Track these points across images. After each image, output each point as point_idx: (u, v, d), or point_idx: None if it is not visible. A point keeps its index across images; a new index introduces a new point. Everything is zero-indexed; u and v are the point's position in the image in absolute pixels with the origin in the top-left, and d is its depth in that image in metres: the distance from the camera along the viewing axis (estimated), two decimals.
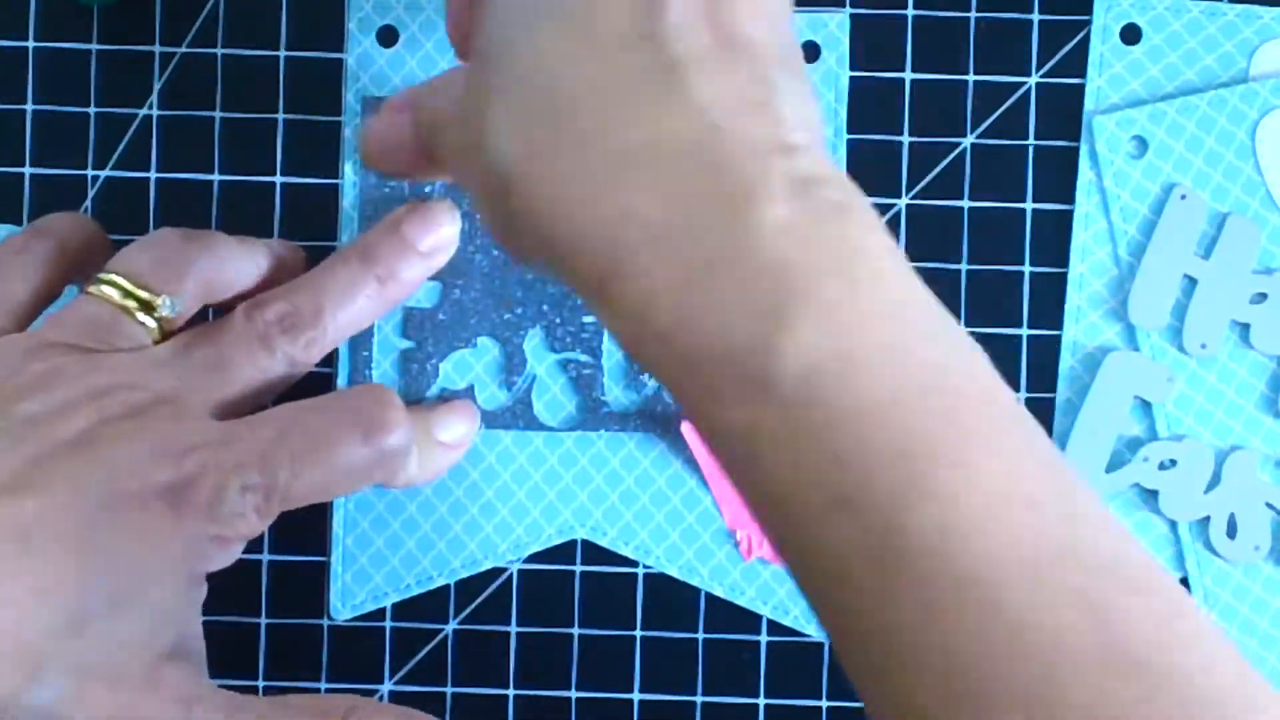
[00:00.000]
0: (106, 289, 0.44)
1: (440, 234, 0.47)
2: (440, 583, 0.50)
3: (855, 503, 0.33)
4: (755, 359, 0.33)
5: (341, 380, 0.50)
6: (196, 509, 0.41)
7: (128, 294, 0.44)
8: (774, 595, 0.50)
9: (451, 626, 0.50)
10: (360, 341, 0.50)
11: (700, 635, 0.50)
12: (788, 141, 0.35)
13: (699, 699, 0.50)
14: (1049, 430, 0.49)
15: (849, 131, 0.50)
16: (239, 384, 0.44)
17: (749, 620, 0.50)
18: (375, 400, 0.44)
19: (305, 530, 0.50)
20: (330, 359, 0.50)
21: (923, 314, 0.34)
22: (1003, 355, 0.50)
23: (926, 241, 0.50)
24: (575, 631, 0.50)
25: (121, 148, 0.50)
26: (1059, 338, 0.50)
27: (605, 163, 0.35)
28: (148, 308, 0.44)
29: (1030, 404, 0.50)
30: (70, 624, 0.39)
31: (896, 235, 0.50)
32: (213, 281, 0.45)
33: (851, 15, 0.50)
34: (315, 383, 0.50)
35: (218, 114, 0.50)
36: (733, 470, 0.35)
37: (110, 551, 0.40)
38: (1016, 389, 0.50)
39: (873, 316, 0.33)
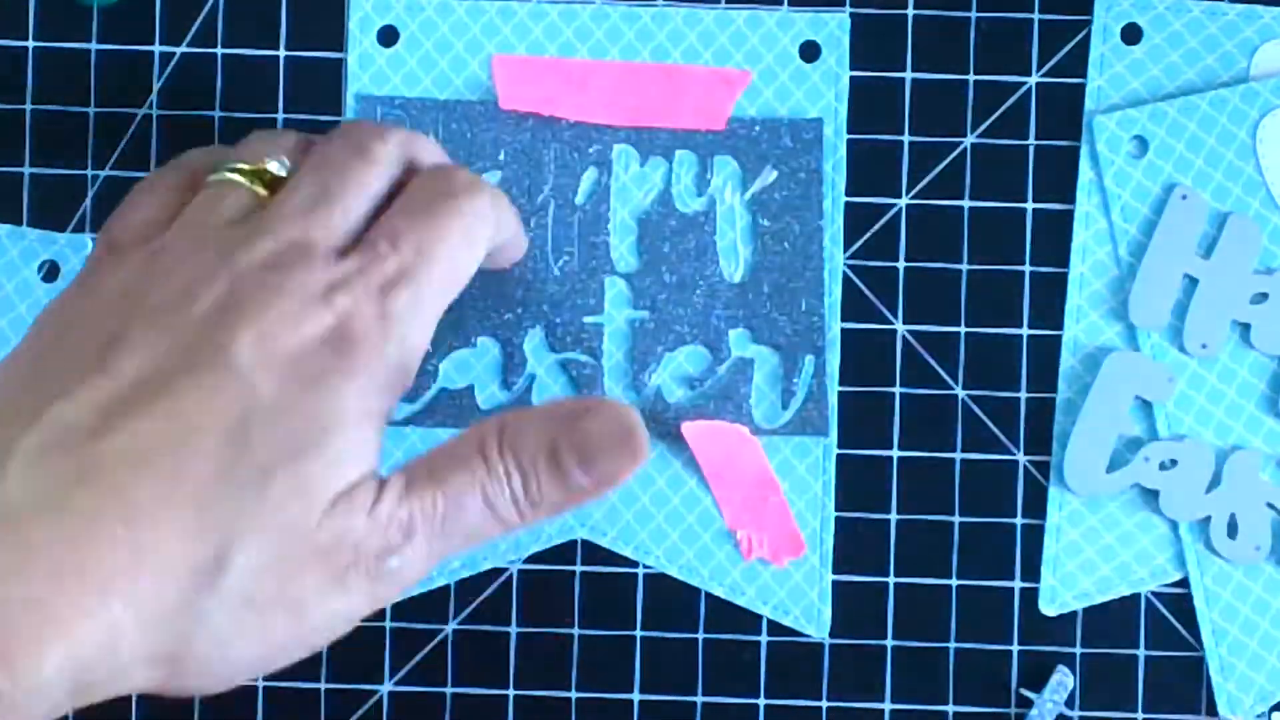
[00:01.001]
0: (225, 174, 0.42)
1: None
2: (440, 583, 0.50)
3: None
4: None
5: None
6: (359, 345, 0.40)
7: (241, 173, 0.42)
8: (774, 595, 0.50)
9: (451, 626, 0.50)
10: None
11: (700, 635, 0.50)
12: None
13: (699, 699, 0.50)
14: (1049, 430, 0.50)
15: (849, 131, 0.50)
16: (352, 204, 0.42)
17: (749, 620, 0.50)
18: (448, 177, 0.43)
19: None
20: None
21: None
22: (1003, 355, 0.50)
23: (927, 241, 0.50)
24: (575, 632, 0.50)
25: (121, 147, 0.50)
26: (1059, 338, 0.50)
27: None
28: (259, 176, 0.42)
29: (1030, 404, 0.50)
30: (247, 485, 0.38)
31: (896, 235, 0.50)
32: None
33: (852, 15, 0.50)
34: None
35: (217, 114, 0.50)
36: None
37: (281, 410, 0.39)
38: (1017, 389, 0.50)
39: None
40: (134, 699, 0.50)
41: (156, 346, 0.39)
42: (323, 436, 0.39)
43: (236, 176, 0.42)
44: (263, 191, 0.42)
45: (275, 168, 0.43)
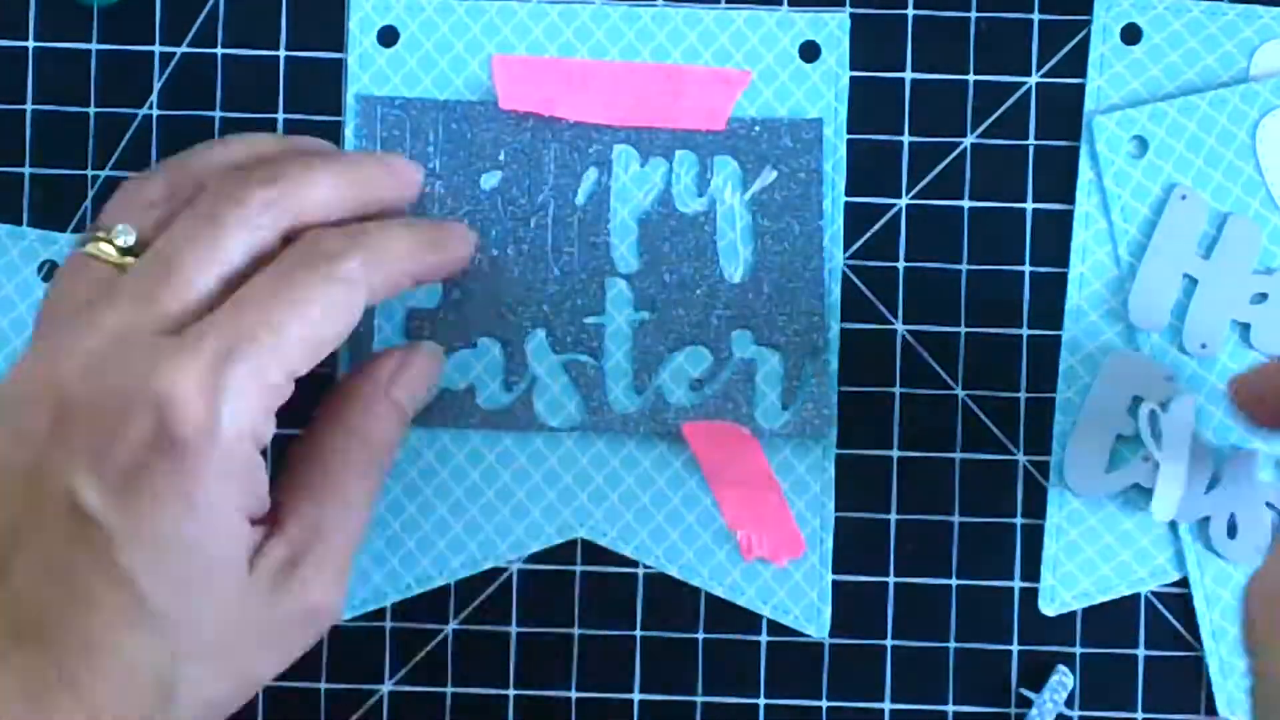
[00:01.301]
0: (82, 246, 0.43)
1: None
2: (440, 583, 0.50)
3: None
4: None
5: None
6: (187, 441, 0.39)
7: (97, 240, 0.43)
8: (774, 595, 0.50)
9: (451, 626, 0.50)
10: (361, 341, 0.50)
11: (700, 635, 0.50)
12: None
13: (699, 699, 0.50)
14: (1049, 430, 0.50)
15: (849, 131, 0.50)
16: (193, 278, 0.41)
17: (749, 620, 0.50)
18: (314, 241, 0.42)
19: None
20: (331, 360, 0.50)
21: None
22: (1003, 355, 0.50)
23: (926, 241, 0.50)
24: (575, 632, 0.50)
25: (121, 148, 0.50)
26: (1059, 338, 0.50)
27: None
28: (112, 244, 0.42)
29: (1030, 404, 0.50)
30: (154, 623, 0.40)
31: (896, 235, 0.50)
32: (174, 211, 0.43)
33: (852, 15, 0.50)
34: (314, 384, 0.50)
35: (218, 114, 0.50)
36: None
37: (140, 537, 0.39)
38: (1017, 389, 0.50)
39: None
40: None
41: (15, 498, 0.39)
42: (200, 549, 0.40)
43: (97, 247, 0.42)
44: (119, 260, 0.42)
45: (121, 239, 0.43)
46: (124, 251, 0.42)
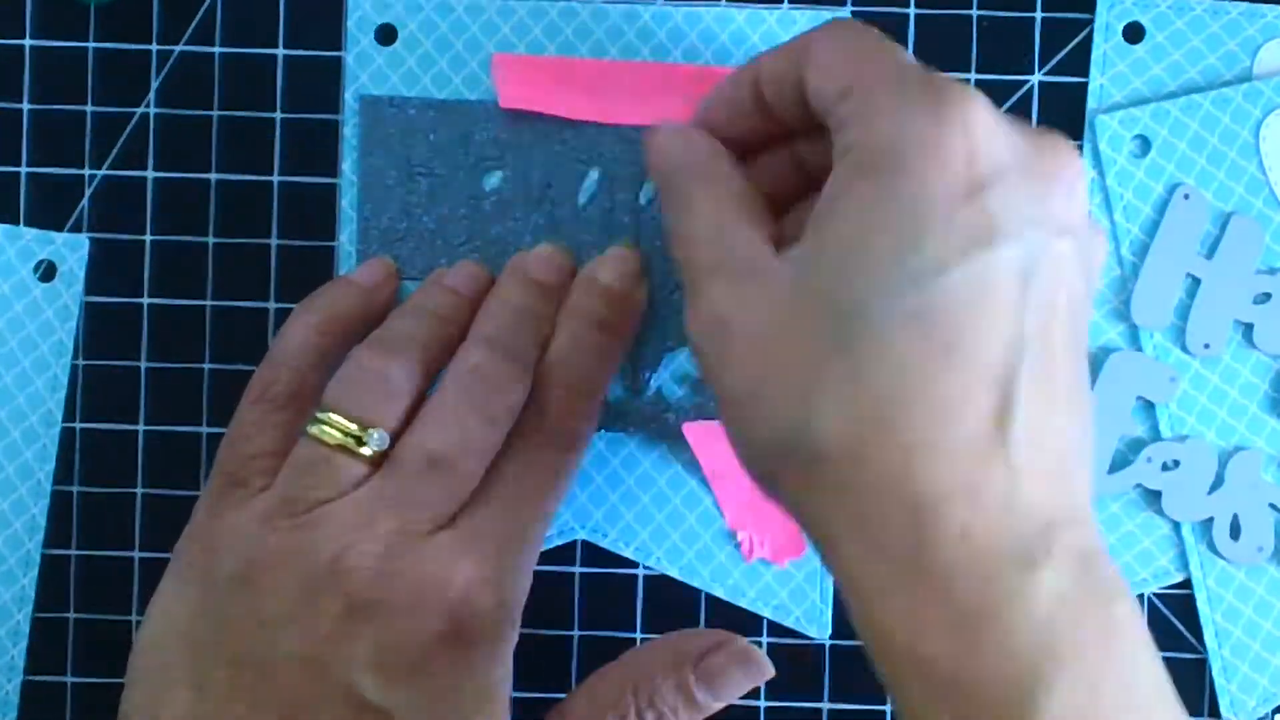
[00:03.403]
0: (325, 429, 0.43)
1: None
2: None
3: None
4: (1012, 708, 0.35)
5: None
6: (476, 634, 0.41)
7: (339, 431, 0.43)
8: (775, 597, 0.50)
9: None
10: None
11: None
12: (1078, 515, 0.37)
13: None
14: None
15: None
16: (466, 470, 0.43)
17: (750, 622, 0.50)
18: (543, 416, 0.45)
19: None
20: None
21: (1164, 711, 0.37)
22: None
23: None
24: (575, 632, 0.50)
25: (119, 147, 0.50)
26: None
27: (924, 482, 0.36)
28: (358, 442, 0.43)
29: None
30: None
31: None
32: (418, 389, 0.44)
33: (853, 13, 0.50)
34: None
35: (215, 113, 0.50)
36: None
37: None
38: None
39: (1123, 707, 0.36)
40: None
41: (293, 687, 0.40)
42: None
43: (330, 434, 0.43)
44: (366, 455, 0.43)
45: (374, 442, 0.43)
46: (376, 452, 0.43)
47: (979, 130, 0.37)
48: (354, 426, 0.43)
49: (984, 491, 0.36)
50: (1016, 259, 0.36)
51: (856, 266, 0.37)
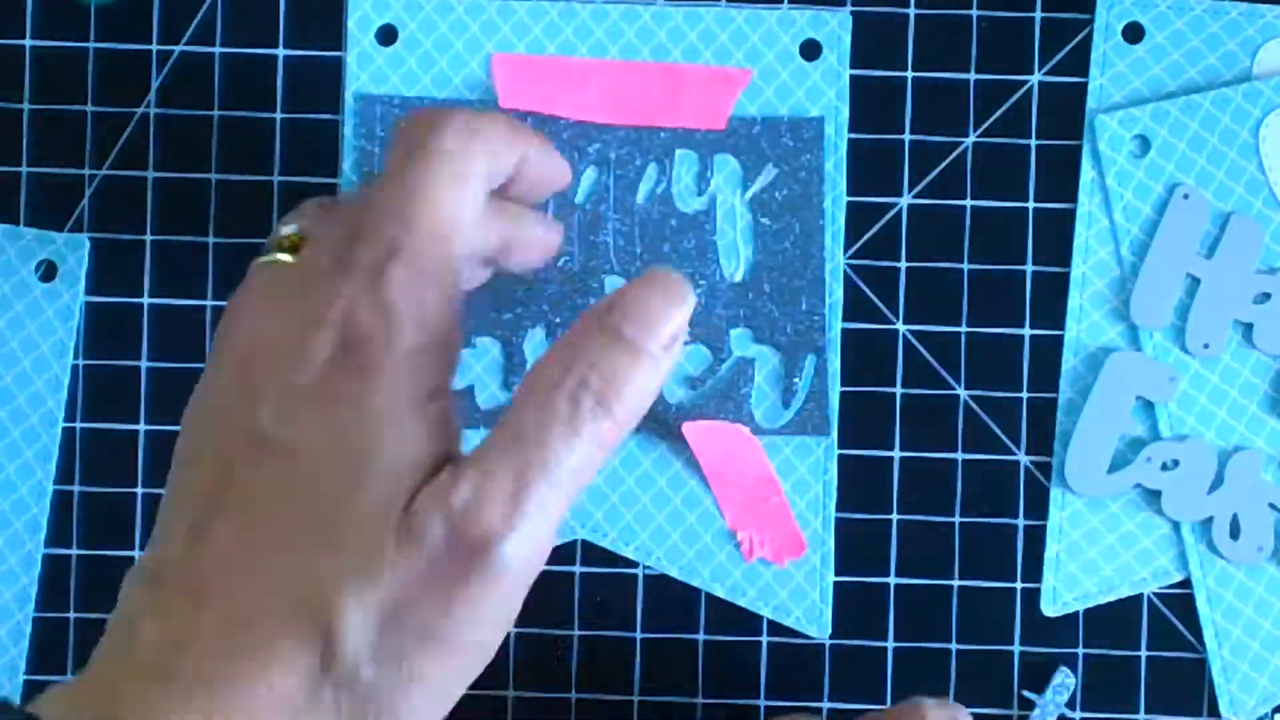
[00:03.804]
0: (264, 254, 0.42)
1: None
2: None
3: None
4: None
5: None
6: (366, 346, 0.38)
7: (273, 246, 0.42)
8: (775, 596, 0.50)
9: None
10: None
11: (700, 636, 0.50)
12: None
13: (699, 700, 0.50)
14: (1051, 430, 0.49)
15: (850, 130, 0.50)
16: (345, 210, 0.41)
17: (750, 621, 0.50)
18: (411, 122, 0.41)
19: None
20: None
21: None
22: (1004, 355, 0.49)
23: (928, 241, 0.50)
24: (575, 632, 0.50)
25: (119, 147, 0.50)
26: (1061, 337, 0.50)
27: None
28: (282, 245, 0.42)
29: (1032, 404, 0.50)
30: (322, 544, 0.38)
31: (897, 235, 0.50)
32: None
33: (853, 13, 0.50)
34: None
35: (216, 113, 0.50)
36: None
37: (322, 450, 0.38)
38: (1018, 389, 0.50)
39: None
40: None
41: (210, 452, 0.39)
42: (373, 454, 0.37)
43: (270, 255, 0.42)
44: (287, 257, 0.42)
45: (287, 229, 0.42)
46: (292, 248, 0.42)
47: None
48: (278, 237, 0.42)
49: None
50: None
51: None
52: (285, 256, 0.41)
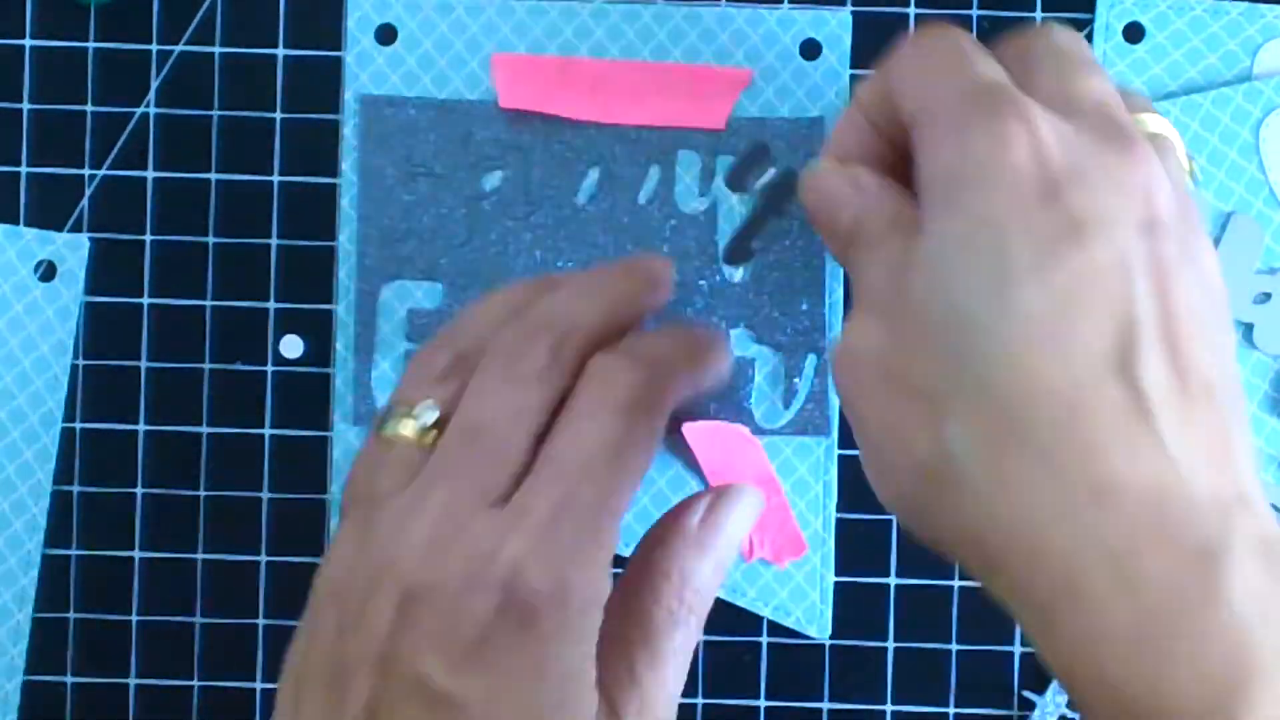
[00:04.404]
0: (388, 428, 0.42)
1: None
2: None
3: None
4: None
5: (340, 382, 0.50)
6: (537, 611, 0.39)
7: (401, 418, 0.42)
8: (775, 596, 0.50)
9: None
10: (363, 343, 0.49)
11: (701, 636, 0.50)
12: (1247, 496, 0.35)
13: (699, 701, 0.50)
14: None
15: None
16: (507, 438, 0.41)
17: (750, 622, 0.50)
18: (604, 380, 0.42)
19: (305, 531, 0.50)
20: (330, 359, 0.50)
21: None
22: None
23: None
24: None
25: (119, 146, 0.50)
26: None
27: (1073, 493, 0.35)
28: (417, 423, 0.42)
29: None
30: None
31: None
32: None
33: (853, 13, 0.50)
34: (315, 382, 0.50)
35: (215, 112, 0.50)
36: None
37: (492, 708, 0.39)
38: None
39: None
40: (131, 699, 0.50)
41: (367, 689, 0.39)
42: (555, 716, 0.39)
43: (398, 426, 0.42)
44: (427, 440, 0.42)
45: (424, 418, 0.42)
46: (426, 430, 0.42)
47: (1042, 137, 0.37)
48: (408, 410, 0.42)
49: (1139, 483, 0.35)
50: (1111, 252, 0.36)
51: (953, 285, 0.37)
52: (414, 434, 0.42)
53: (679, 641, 0.42)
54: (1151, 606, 0.34)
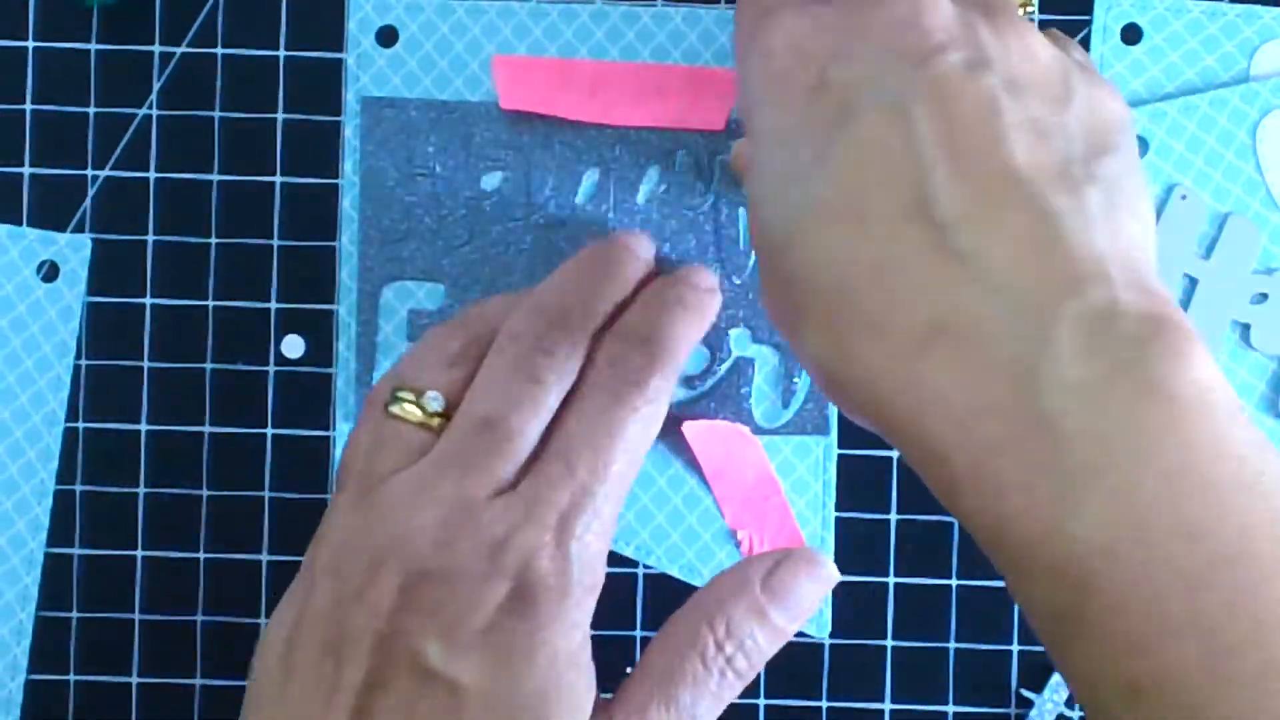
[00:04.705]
0: (394, 406, 0.43)
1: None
2: None
3: (1148, 693, 0.32)
4: (1048, 544, 0.33)
5: (341, 382, 0.50)
6: (541, 600, 0.40)
7: (408, 400, 0.43)
8: None
9: None
10: (364, 344, 0.50)
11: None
12: (1077, 275, 0.34)
13: None
14: None
15: None
16: (521, 431, 0.42)
17: None
18: (622, 378, 0.43)
19: (306, 530, 0.50)
20: (331, 360, 0.50)
21: (1227, 473, 0.33)
22: None
23: None
24: None
25: (121, 147, 0.50)
26: None
27: (902, 348, 0.35)
28: (423, 408, 0.43)
29: None
30: None
31: None
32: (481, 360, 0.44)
33: None
34: (315, 384, 0.50)
35: (217, 114, 0.50)
36: (1047, 648, 0.35)
37: (489, 696, 0.40)
38: None
39: (1166, 495, 0.32)
40: (133, 698, 0.50)
41: (366, 664, 0.40)
42: (541, 707, 0.40)
43: (404, 409, 0.43)
44: (432, 423, 0.42)
45: (433, 405, 0.43)
46: (431, 414, 0.43)
47: (793, 30, 0.38)
48: (412, 395, 0.43)
49: (955, 319, 0.35)
50: (881, 114, 0.36)
51: (766, 212, 0.38)
52: (419, 417, 0.42)
53: (707, 690, 0.42)
54: (984, 437, 0.34)
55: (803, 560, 0.43)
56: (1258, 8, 0.50)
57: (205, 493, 0.50)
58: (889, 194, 0.36)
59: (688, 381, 0.50)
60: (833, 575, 0.43)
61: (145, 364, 0.50)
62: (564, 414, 0.42)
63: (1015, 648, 0.50)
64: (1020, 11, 0.41)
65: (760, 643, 0.42)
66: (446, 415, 0.43)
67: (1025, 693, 0.49)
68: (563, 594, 0.40)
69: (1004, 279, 0.34)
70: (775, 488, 0.50)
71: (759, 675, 0.50)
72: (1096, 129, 0.38)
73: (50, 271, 0.50)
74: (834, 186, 0.36)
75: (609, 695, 0.42)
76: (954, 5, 0.39)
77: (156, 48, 0.50)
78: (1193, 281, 0.49)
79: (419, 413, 0.42)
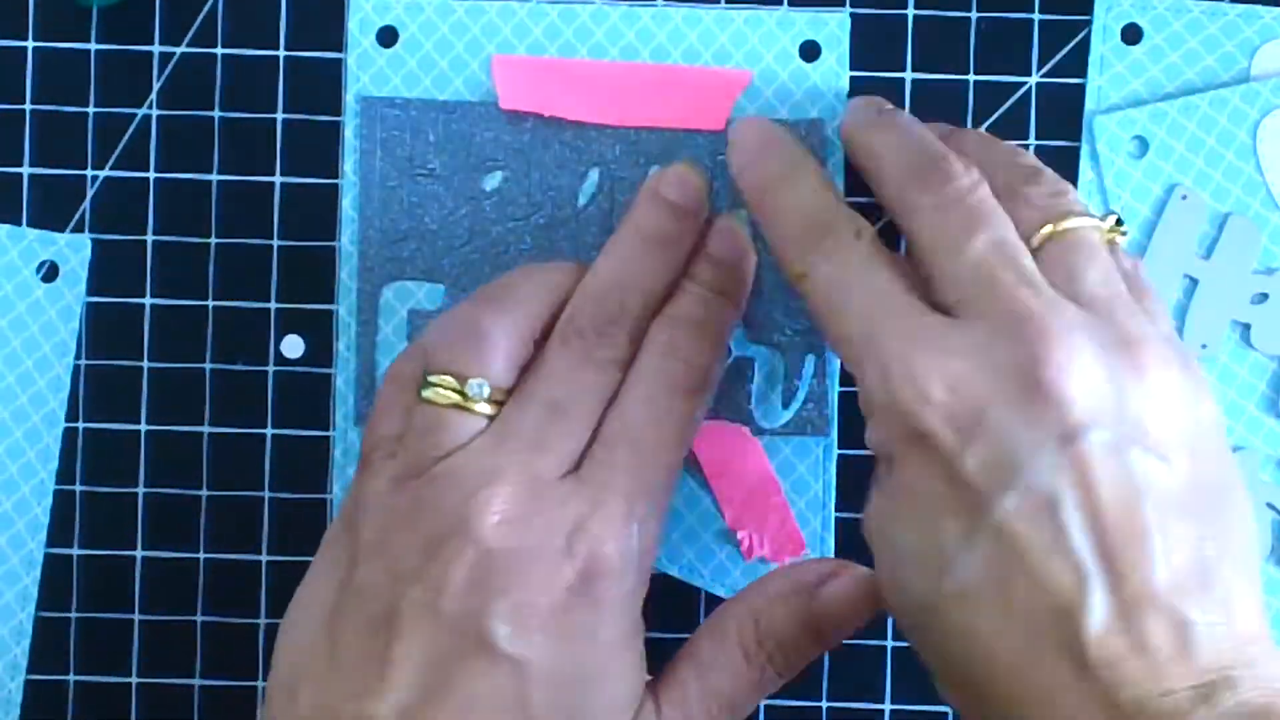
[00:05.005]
0: (437, 391, 0.43)
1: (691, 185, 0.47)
2: None
3: None
4: None
5: (341, 382, 0.50)
6: (604, 582, 0.41)
7: (447, 387, 0.43)
8: None
9: None
10: (364, 344, 0.50)
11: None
12: (1217, 677, 0.36)
13: None
14: None
15: None
16: (580, 420, 0.43)
17: None
18: (671, 373, 0.44)
19: (306, 531, 0.50)
20: (331, 360, 0.50)
21: None
22: None
23: None
24: None
25: (120, 148, 0.50)
26: None
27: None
28: (464, 397, 0.43)
29: None
30: None
31: (898, 235, 0.50)
32: (521, 338, 0.44)
33: (852, 15, 0.50)
34: (315, 384, 0.50)
35: (217, 114, 0.50)
36: None
37: (549, 674, 0.40)
38: None
39: None
40: (133, 698, 0.50)
41: (425, 640, 0.40)
42: (598, 684, 0.41)
43: (439, 394, 0.43)
44: (472, 407, 0.43)
45: (474, 389, 0.43)
46: (476, 400, 0.43)
47: (954, 378, 0.40)
48: (455, 383, 0.43)
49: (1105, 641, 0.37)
50: (1028, 495, 0.38)
51: (912, 558, 0.40)
52: (485, 408, 0.43)
53: (746, 682, 0.44)
54: None
55: (860, 580, 0.44)
56: (1258, 8, 0.50)
57: (205, 493, 0.50)
58: (1035, 585, 0.37)
59: None
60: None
61: (145, 364, 0.50)
62: (624, 399, 0.44)
63: None
64: (1109, 237, 0.43)
65: (803, 647, 0.44)
66: (491, 400, 0.43)
67: None
68: (624, 576, 0.41)
69: (1143, 690, 0.36)
70: (775, 488, 0.50)
71: None
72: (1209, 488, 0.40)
73: (50, 271, 0.50)
74: (982, 573, 0.38)
75: (650, 677, 0.43)
76: (1097, 354, 0.39)
77: (156, 48, 0.50)
78: (1193, 281, 0.49)
79: (457, 397, 0.43)
